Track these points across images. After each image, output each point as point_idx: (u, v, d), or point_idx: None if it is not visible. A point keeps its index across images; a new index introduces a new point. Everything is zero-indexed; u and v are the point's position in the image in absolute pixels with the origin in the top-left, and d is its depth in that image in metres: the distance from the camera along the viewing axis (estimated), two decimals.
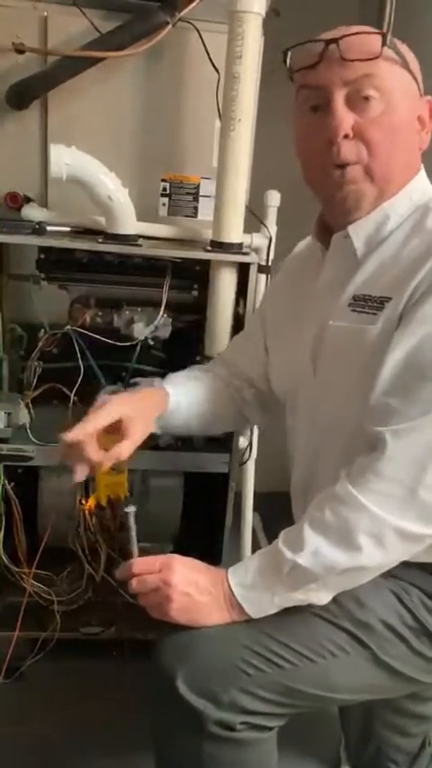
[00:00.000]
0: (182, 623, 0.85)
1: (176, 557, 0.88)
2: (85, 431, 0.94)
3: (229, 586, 0.84)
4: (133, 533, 0.94)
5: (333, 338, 0.92)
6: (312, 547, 0.80)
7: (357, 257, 0.91)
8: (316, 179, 0.92)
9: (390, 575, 0.88)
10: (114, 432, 0.97)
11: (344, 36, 0.84)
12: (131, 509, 0.95)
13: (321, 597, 0.85)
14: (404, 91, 0.87)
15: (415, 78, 0.89)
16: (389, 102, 0.85)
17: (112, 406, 0.98)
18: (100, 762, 1.29)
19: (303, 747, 1.31)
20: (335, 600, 0.86)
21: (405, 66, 0.87)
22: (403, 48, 0.88)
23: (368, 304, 0.88)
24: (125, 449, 0.96)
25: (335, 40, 0.84)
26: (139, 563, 0.88)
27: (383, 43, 0.84)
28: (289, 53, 0.90)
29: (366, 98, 0.85)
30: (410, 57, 0.89)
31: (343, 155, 0.86)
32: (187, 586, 0.84)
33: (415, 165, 0.92)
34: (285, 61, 0.90)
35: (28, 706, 1.38)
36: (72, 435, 0.94)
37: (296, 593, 0.83)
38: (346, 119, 0.85)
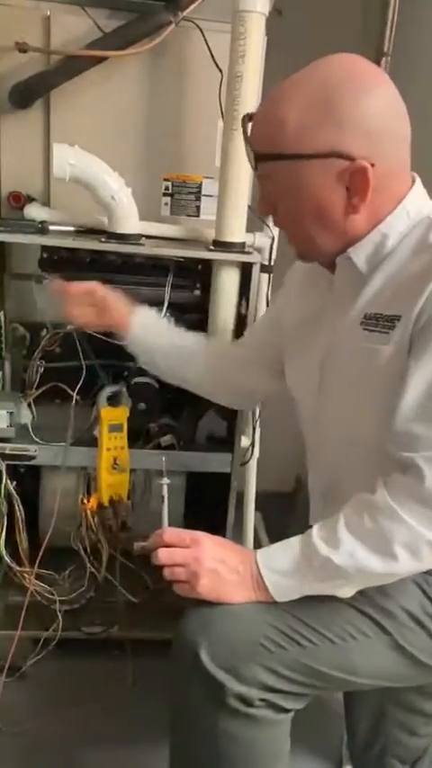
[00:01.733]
0: (208, 600, 0.86)
1: (205, 534, 0.90)
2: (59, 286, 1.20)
3: (258, 568, 0.86)
4: (165, 504, 0.96)
5: (343, 357, 0.93)
6: (349, 548, 0.82)
7: (363, 273, 0.91)
8: None
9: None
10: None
11: (251, 117, 0.89)
12: (166, 480, 0.97)
13: (346, 592, 0.87)
14: (305, 180, 0.84)
15: (327, 155, 0.82)
16: (289, 194, 0.87)
17: (87, 283, 1.21)
18: (102, 760, 1.29)
19: (306, 745, 1.31)
20: None
21: (302, 157, 0.83)
22: (307, 125, 0.81)
23: (380, 323, 0.88)
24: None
25: (249, 118, 0.89)
26: (170, 533, 0.89)
27: (257, 160, 0.87)
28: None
29: (270, 192, 0.89)
30: (322, 133, 0.81)
31: (276, 225, 0.97)
32: (216, 563, 0.86)
33: (357, 224, 0.87)
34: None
35: (30, 705, 1.38)
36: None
37: (323, 584, 0.85)
38: (264, 201, 0.92)
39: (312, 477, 1.08)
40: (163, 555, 0.87)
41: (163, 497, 0.96)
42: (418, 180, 0.91)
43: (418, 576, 0.91)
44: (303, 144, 0.82)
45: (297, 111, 0.82)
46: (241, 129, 0.90)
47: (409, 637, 0.89)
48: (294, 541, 0.87)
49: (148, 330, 1.23)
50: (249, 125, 0.89)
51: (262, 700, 0.86)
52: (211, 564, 0.86)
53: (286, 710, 0.90)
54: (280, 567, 0.86)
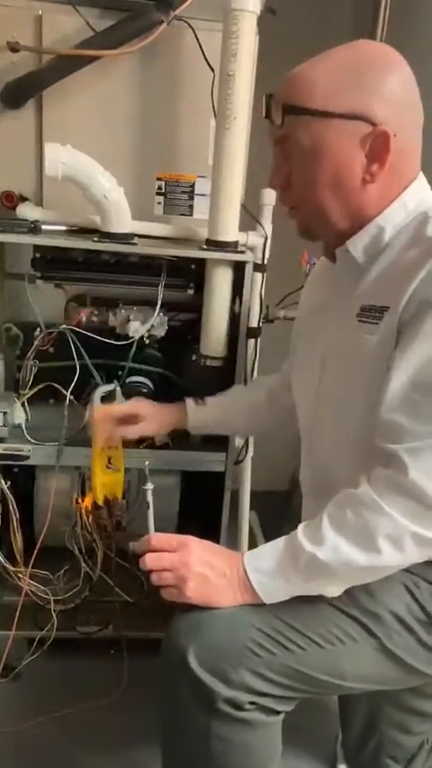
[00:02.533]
0: (196, 604, 0.86)
1: (193, 538, 0.90)
2: (103, 411, 1.27)
3: (245, 570, 0.86)
4: (150, 510, 0.95)
5: (340, 348, 0.95)
6: (332, 543, 0.82)
7: (360, 265, 0.93)
8: None
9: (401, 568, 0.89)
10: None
11: (267, 95, 0.90)
12: (150, 486, 0.96)
13: (333, 590, 0.87)
14: (327, 140, 0.86)
15: (353, 116, 0.84)
16: (310, 155, 0.87)
17: (131, 403, 1.30)
18: (97, 760, 1.29)
19: (300, 744, 1.32)
20: (346, 590, 0.88)
21: (328, 115, 0.84)
22: (336, 87, 0.84)
23: (372, 314, 0.89)
24: (130, 431, 1.26)
25: (269, 97, 0.90)
26: (157, 538, 0.89)
27: (284, 113, 0.87)
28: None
29: (289, 154, 0.90)
30: (350, 96, 0.84)
31: (282, 202, 0.96)
32: (203, 567, 0.86)
33: (371, 197, 0.89)
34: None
35: (25, 705, 1.38)
36: (93, 412, 1.28)
37: (310, 583, 0.85)
38: (278, 172, 0.93)
39: (303, 472, 1.08)
40: (150, 560, 0.87)
41: (148, 503, 0.96)
42: (422, 175, 0.92)
43: (406, 579, 0.91)
44: (332, 103, 0.84)
45: (328, 73, 0.85)
46: (263, 107, 0.91)
47: (396, 640, 0.89)
48: (280, 541, 0.87)
49: (204, 422, 1.30)
50: (271, 110, 0.90)
51: (252, 703, 0.85)
52: (199, 568, 0.86)
53: (277, 712, 0.90)
54: (266, 567, 0.86)
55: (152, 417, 1.28)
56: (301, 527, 0.86)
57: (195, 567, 0.86)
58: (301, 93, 0.86)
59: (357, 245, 0.92)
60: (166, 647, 0.88)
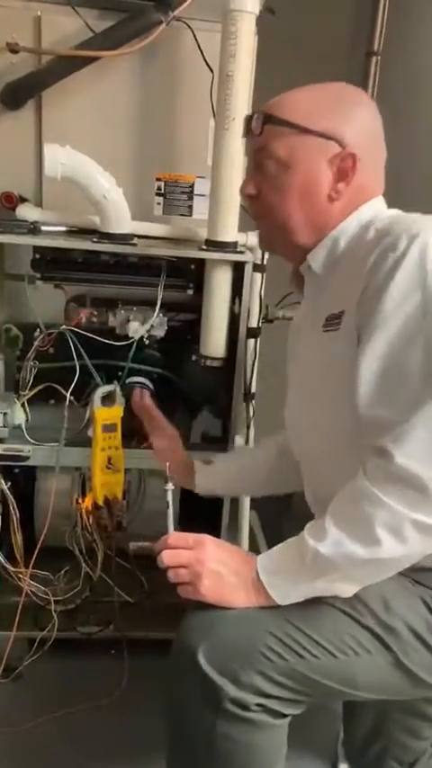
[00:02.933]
0: (209, 602, 0.87)
1: (209, 536, 0.91)
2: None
3: (257, 571, 0.86)
4: (170, 510, 0.96)
5: (312, 362, 0.99)
6: (334, 537, 0.82)
7: (320, 277, 0.98)
8: None
9: (417, 582, 0.90)
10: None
11: (247, 116, 0.98)
12: (170, 486, 0.98)
13: (345, 589, 0.86)
14: (301, 154, 0.93)
15: (327, 136, 0.92)
16: (282, 166, 0.93)
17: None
18: (99, 761, 1.29)
19: (301, 742, 1.30)
20: (361, 599, 0.88)
21: (306, 131, 0.92)
22: (316, 109, 0.93)
23: (333, 321, 0.92)
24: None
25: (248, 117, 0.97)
26: (175, 536, 0.91)
27: (265, 122, 0.94)
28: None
29: (262, 165, 0.95)
30: (326, 119, 0.92)
31: (252, 212, 1.02)
32: (218, 565, 0.87)
33: (332, 214, 0.95)
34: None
35: (26, 706, 1.38)
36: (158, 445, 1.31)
37: (319, 581, 0.85)
38: (250, 181, 0.98)
39: (305, 490, 1.09)
40: (167, 556, 0.88)
41: (168, 503, 0.97)
42: (381, 197, 0.98)
43: (424, 593, 0.90)
44: (311, 121, 0.92)
45: (310, 98, 0.95)
46: (242, 126, 1.00)
47: (411, 655, 0.88)
48: (290, 541, 0.87)
49: (212, 488, 1.30)
50: (252, 121, 0.96)
51: (258, 705, 0.85)
52: (213, 565, 0.87)
53: (284, 715, 0.89)
54: (275, 567, 0.86)
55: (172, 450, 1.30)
56: (308, 525, 0.87)
57: (210, 564, 0.87)
58: (283, 107, 0.94)
59: (317, 259, 0.97)
60: (176, 643, 0.88)
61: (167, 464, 1.01)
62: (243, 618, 0.86)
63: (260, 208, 0.99)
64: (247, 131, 0.98)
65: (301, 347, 1.05)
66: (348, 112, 0.94)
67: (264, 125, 0.94)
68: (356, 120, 0.94)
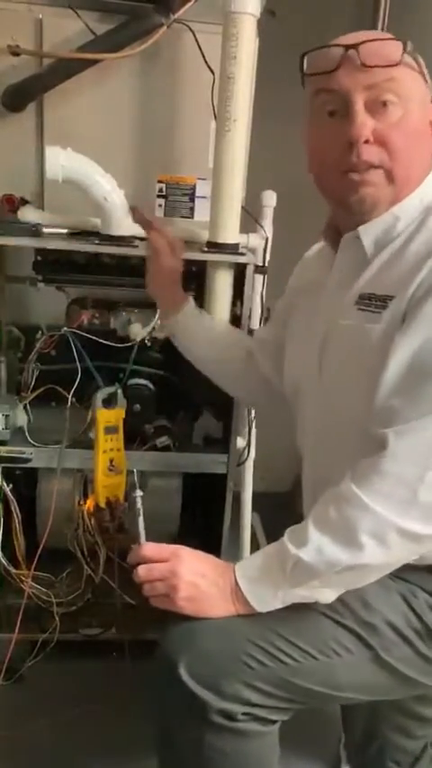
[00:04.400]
0: (187, 614, 0.86)
1: (184, 547, 0.89)
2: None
3: (236, 579, 0.85)
4: (140, 518, 0.95)
5: (339, 337, 0.94)
6: (315, 543, 0.81)
7: (367, 257, 0.92)
8: (330, 183, 0.93)
9: (398, 577, 0.89)
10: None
11: (364, 41, 0.85)
12: (139, 493, 0.95)
13: (326, 595, 0.85)
14: (420, 97, 0.88)
15: (428, 84, 0.90)
16: (407, 107, 0.87)
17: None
18: (100, 763, 1.29)
19: (303, 746, 1.31)
20: (341, 600, 0.87)
21: (421, 72, 0.89)
22: (418, 55, 0.89)
23: (373, 302, 0.88)
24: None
25: (354, 46, 0.85)
26: (149, 549, 0.88)
27: (404, 50, 0.85)
28: (305, 57, 0.90)
29: (384, 103, 0.86)
30: (422, 63, 0.90)
31: (365, 158, 0.87)
32: (195, 577, 0.85)
33: (427, 169, 0.92)
34: (302, 66, 0.90)
35: (28, 708, 1.38)
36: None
37: (300, 588, 0.83)
38: (366, 123, 0.86)
39: (305, 467, 1.06)
40: (142, 571, 0.87)
41: (138, 510, 0.95)
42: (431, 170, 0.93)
43: (403, 588, 0.90)
44: (422, 64, 0.89)
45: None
46: (338, 62, 0.86)
47: (392, 651, 0.88)
48: (269, 548, 0.86)
49: (185, 329, 1.28)
50: (349, 53, 0.85)
51: (245, 714, 0.85)
52: (190, 577, 0.85)
53: (272, 722, 0.89)
54: (255, 575, 0.85)
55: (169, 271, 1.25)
56: (288, 530, 0.85)
57: (186, 577, 0.85)
58: (409, 49, 0.87)
59: (369, 235, 0.91)
60: (158, 657, 0.87)
61: (135, 471, 1.01)
62: (223, 628, 0.85)
63: (376, 154, 0.87)
64: (368, 59, 0.84)
65: (323, 316, 0.98)
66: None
67: (403, 53, 0.85)
68: None
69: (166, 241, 1.22)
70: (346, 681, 0.88)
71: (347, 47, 0.85)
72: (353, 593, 0.87)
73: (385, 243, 0.91)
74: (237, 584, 0.85)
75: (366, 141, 0.86)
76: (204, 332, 1.28)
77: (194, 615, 0.85)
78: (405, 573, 0.88)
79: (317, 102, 0.90)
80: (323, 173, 0.93)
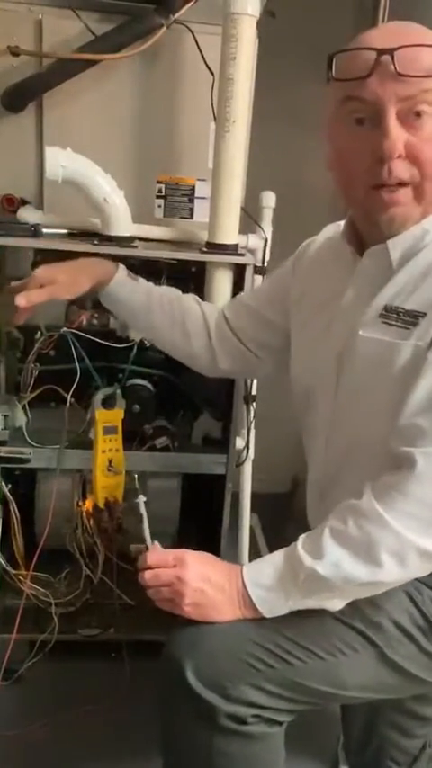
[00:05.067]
0: (193, 618, 0.86)
1: (190, 551, 0.89)
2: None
3: (244, 584, 0.85)
4: (145, 523, 0.94)
5: (362, 349, 0.90)
6: (333, 558, 0.81)
7: (392, 268, 0.89)
8: (357, 196, 0.88)
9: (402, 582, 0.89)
10: None
11: (399, 47, 0.78)
12: (142, 498, 0.95)
13: (335, 604, 0.85)
14: None
15: None
16: None
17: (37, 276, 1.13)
18: (99, 763, 1.29)
19: (301, 746, 1.31)
20: None
21: None
22: None
23: (400, 317, 0.86)
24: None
25: (388, 51, 0.78)
26: (154, 555, 0.88)
27: None
28: (334, 59, 0.84)
29: (419, 114, 0.81)
30: None
31: (395, 174, 0.83)
32: (201, 582, 0.85)
33: None
34: (330, 68, 0.84)
35: (26, 708, 1.38)
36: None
37: (310, 598, 0.84)
38: (400, 138, 0.81)
39: (312, 468, 1.04)
40: (149, 577, 0.86)
41: (141, 515, 0.94)
42: None
43: (408, 585, 0.90)
44: None
45: None
46: (371, 69, 0.80)
47: (396, 648, 0.88)
48: (280, 555, 0.86)
49: (118, 300, 1.19)
50: (382, 60, 0.79)
51: (254, 716, 0.85)
52: (196, 583, 0.85)
53: (279, 723, 0.89)
54: (266, 582, 0.85)
55: (66, 281, 1.14)
56: (301, 539, 0.85)
57: (192, 583, 0.85)
58: None
59: (398, 247, 0.88)
60: (164, 661, 0.87)
61: (136, 476, 1.00)
62: (228, 630, 0.85)
63: (407, 170, 0.83)
64: (403, 68, 0.78)
65: (346, 327, 0.93)
66: None
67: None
68: None
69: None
70: (352, 680, 0.88)
71: (381, 51, 0.79)
72: None
73: (411, 254, 0.88)
74: (245, 589, 0.84)
75: (399, 156, 0.82)
76: (142, 298, 1.19)
77: (200, 620, 0.85)
78: None
79: (345, 108, 0.85)
80: (349, 183, 0.88)
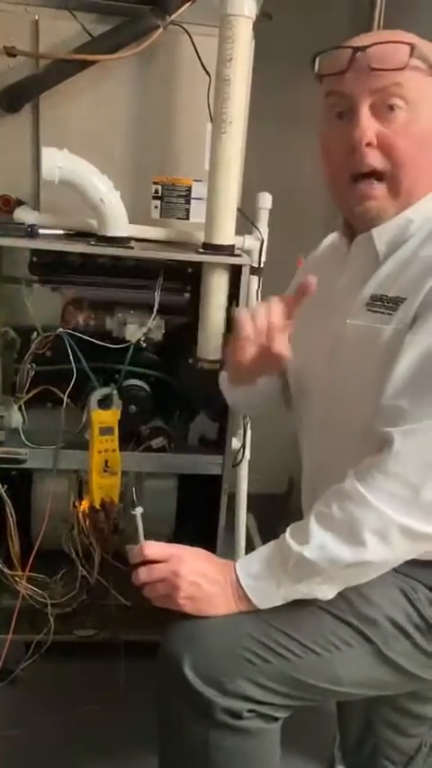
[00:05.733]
0: (189, 612, 0.86)
1: (184, 547, 0.89)
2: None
3: (237, 577, 0.86)
4: (141, 535, 0.94)
5: (350, 337, 0.93)
6: (318, 540, 0.81)
7: (379, 258, 0.93)
8: (339, 190, 0.93)
9: (398, 572, 0.89)
10: None
11: (373, 44, 0.85)
12: (139, 510, 0.94)
13: (326, 592, 0.86)
14: (430, 100, 0.87)
15: None
16: (414, 111, 0.86)
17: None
18: (96, 764, 1.29)
19: (298, 745, 1.31)
20: (342, 595, 0.88)
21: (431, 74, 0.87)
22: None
23: (384, 304, 0.89)
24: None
25: (363, 48, 0.84)
26: (150, 549, 0.88)
27: (411, 54, 0.84)
28: (317, 58, 0.90)
29: (392, 107, 0.85)
30: None
31: (367, 161, 0.87)
32: (196, 576, 0.86)
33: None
34: (314, 66, 0.91)
35: (23, 709, 1.38)
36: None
37: (301, 585, 0.84)
38: (369, 127, 0.86)
39: (306, 464, 1.06)
40: (143, 573, 0.87)
41: (137, 527, 0.93)
42: None
43: (403, 583, 0.91)
44: None
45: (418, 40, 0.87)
46: (346, 65, 0.85)
47: (392, 645, 0.89)
48: (270, 544, 0.87)
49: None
50: (357, 56, 0.85)
51: (251, 711, 0.85)
52: (192, 577, 0.85)
53: (275, 719, 0.89)
54: (256, 572, 0.86)
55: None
56: (289, 528, 0.86)
57: (188, 577, 0.85)
58: (418, 45, 0.85)
59: (383, 237, 0.92)
60: (161, 657, 0.87)
61: (133, 489, 0.99)
62: (225, 625, 0.86)
63: (377, 160, 0.87)
64: (376, 63, 0.84)
65: (335, 317, 0.96)
66: None
67: (410, 57, 0.84)
68: None
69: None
70: (347, 675, 0.89)
71: (357, 48, 0.85)
72: (353, 589, 0.88)
73: (398, 244, 0.91)
74: (238, 581, 0.85)
75: (369, 144, 0.86)
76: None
77: (196, 614, 0.86)
78: (405, 568, 0.89)
79: (327, 103, 0.91)
80: (333, 176, 0.93)
